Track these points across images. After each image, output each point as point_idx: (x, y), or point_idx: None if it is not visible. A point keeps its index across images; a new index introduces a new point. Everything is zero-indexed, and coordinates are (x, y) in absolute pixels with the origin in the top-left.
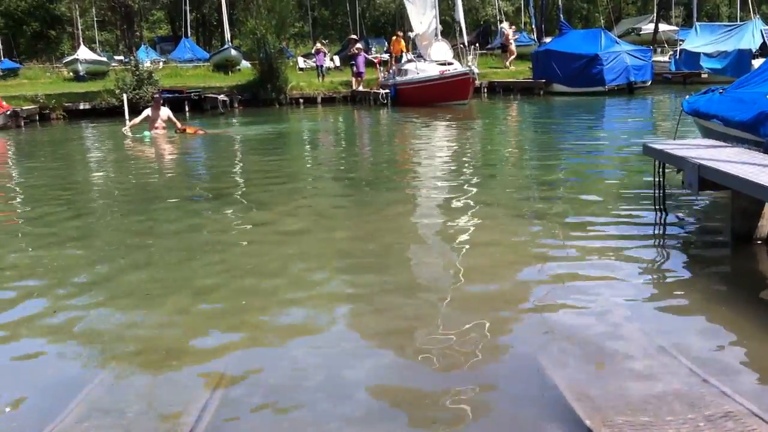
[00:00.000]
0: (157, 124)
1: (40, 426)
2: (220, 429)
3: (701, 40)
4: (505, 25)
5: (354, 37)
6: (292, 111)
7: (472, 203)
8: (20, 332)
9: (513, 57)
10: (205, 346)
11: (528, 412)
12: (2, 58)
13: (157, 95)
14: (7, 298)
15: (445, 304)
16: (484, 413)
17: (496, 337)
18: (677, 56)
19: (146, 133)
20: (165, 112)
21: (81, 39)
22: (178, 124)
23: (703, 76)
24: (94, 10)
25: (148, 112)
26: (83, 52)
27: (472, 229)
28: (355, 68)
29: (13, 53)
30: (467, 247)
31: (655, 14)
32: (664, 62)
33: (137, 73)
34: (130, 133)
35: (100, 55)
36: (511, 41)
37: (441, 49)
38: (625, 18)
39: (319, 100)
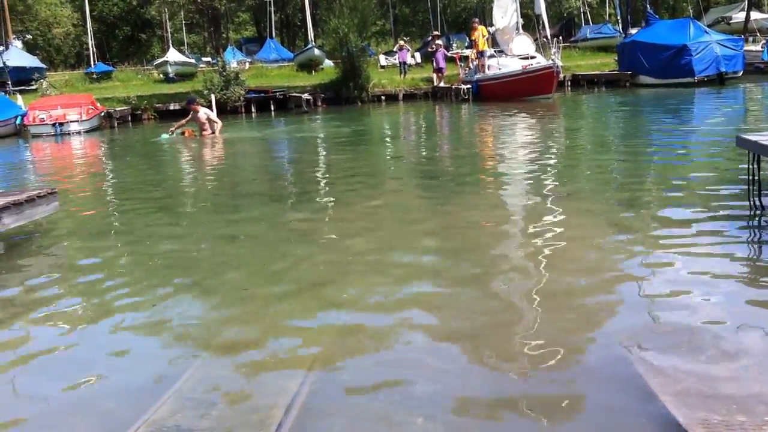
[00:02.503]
0: (201, 127)
1: (134, 417)
2: (309, 422)
3: None
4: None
5: (437, 33)
6: (374, 108)
7: (559, 201)
8: (119, 325)
9: None
10: (295, 340)
11: (618, 408)
12: (96, 62)
13: (185, 103)
14: (107, 291)
15: (530, 298)
16: (570, 409)
17: (583, 332)
18: None
19: (164, 135)
20: (203, 113)
21: (170, 42)
22: (218, 121)
23: None
24: (182, 13)
25: (189, 117)
26: (172, 55)
27: (557, 224)
28: (435, 64)
29: (107, 56)
30: (553, 242)
31: (746, 2)
32: (757, 52)
33: (224, 73)
34: (166, 135)
35: (188, 57)
36: None
37: (523, 44)
38: (714, 7)
39: (400, 97)
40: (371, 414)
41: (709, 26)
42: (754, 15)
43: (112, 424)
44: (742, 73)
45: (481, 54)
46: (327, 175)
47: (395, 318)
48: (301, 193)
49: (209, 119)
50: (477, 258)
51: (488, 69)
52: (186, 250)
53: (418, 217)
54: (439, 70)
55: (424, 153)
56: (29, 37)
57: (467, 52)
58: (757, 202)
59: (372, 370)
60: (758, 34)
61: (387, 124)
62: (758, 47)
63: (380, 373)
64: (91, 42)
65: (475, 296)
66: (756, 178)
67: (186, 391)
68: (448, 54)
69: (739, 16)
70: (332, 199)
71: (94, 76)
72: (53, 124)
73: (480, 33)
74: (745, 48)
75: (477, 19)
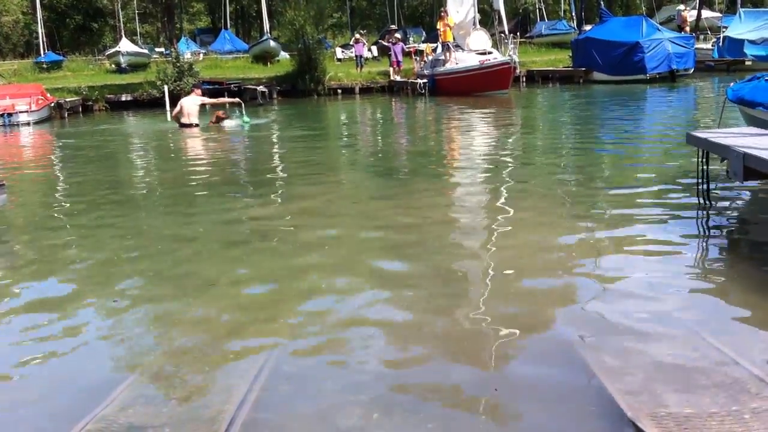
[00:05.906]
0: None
1: (85, 411)
2: (261, 417)
3: (745, 27)
4: (681, 6)
5: (393, 27)
6: (330, 101)
7: (512, 193)
8: (70, 319)
9: None
10: (247, 337)
11: (568, 403)
12: (46, 51)
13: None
14: (57, 285)
15: (482, 291)
16: (520, 404)
17: (534, 326)
18: (720, 43)
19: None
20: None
21: (122, 31)
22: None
23: (747, 63)
24: (135, 2)
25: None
26: (125, 45)
27: (511, 219)
28: (393, 56)
29: (57, 46)
30: (506, 236)
31: (697, 1)
32: (707, 50)
33: (178, 64)
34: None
35: (141, 48)
36: (688, 23)
37: (479, 39)
38: (666, 5)
39: (357, 90)
40: (324, 410)
41: (661, 24)
42: (706, 13)
43: (61, 420)
44: (693, 70)
45: (447, 45)
46: (280, 170)
47: (350, 311)
48: (255, 187)
49: (182, 107)
50: (431, 252)
51: (441, 64)
52: (139, 242)
53: (374, 209)
54: (396, 63)
55: (379, 148)
56: None
57: (422, 46)
58: (706, 198)
59: (326, 365)
60: (709, 32)
61: (343, 117)
62: (709, 45)
63: (334, 368)
64: (41, 31)
65: (431, 285)
66: (704, 172)
67: (137, 386)
68: (405, 48)
69: (691, 14)
70: (288, 192)
71: (44, 65)
72: (1, 115)
73: (447, 23)
74: (697, 46)
75: (446, 9)
